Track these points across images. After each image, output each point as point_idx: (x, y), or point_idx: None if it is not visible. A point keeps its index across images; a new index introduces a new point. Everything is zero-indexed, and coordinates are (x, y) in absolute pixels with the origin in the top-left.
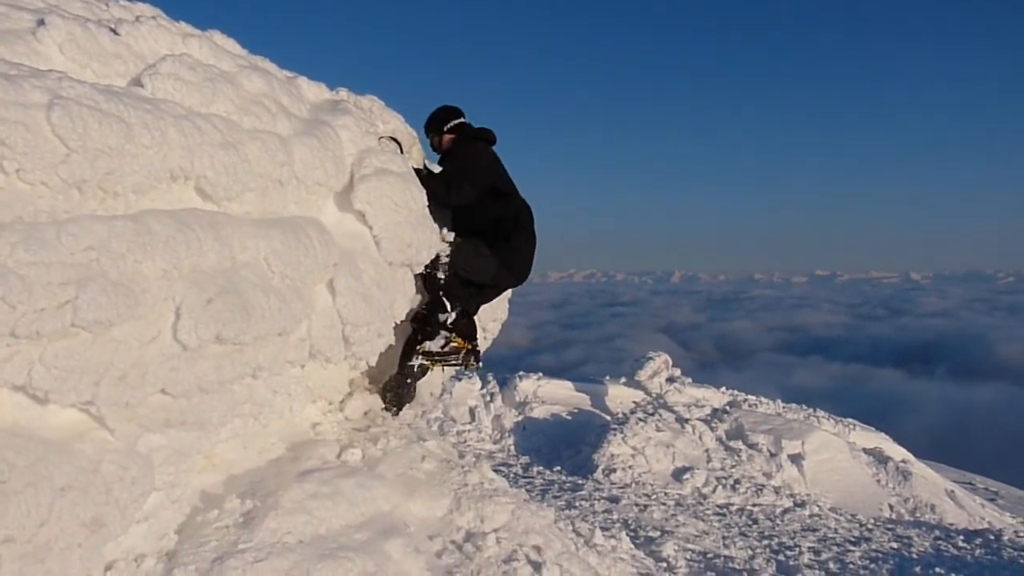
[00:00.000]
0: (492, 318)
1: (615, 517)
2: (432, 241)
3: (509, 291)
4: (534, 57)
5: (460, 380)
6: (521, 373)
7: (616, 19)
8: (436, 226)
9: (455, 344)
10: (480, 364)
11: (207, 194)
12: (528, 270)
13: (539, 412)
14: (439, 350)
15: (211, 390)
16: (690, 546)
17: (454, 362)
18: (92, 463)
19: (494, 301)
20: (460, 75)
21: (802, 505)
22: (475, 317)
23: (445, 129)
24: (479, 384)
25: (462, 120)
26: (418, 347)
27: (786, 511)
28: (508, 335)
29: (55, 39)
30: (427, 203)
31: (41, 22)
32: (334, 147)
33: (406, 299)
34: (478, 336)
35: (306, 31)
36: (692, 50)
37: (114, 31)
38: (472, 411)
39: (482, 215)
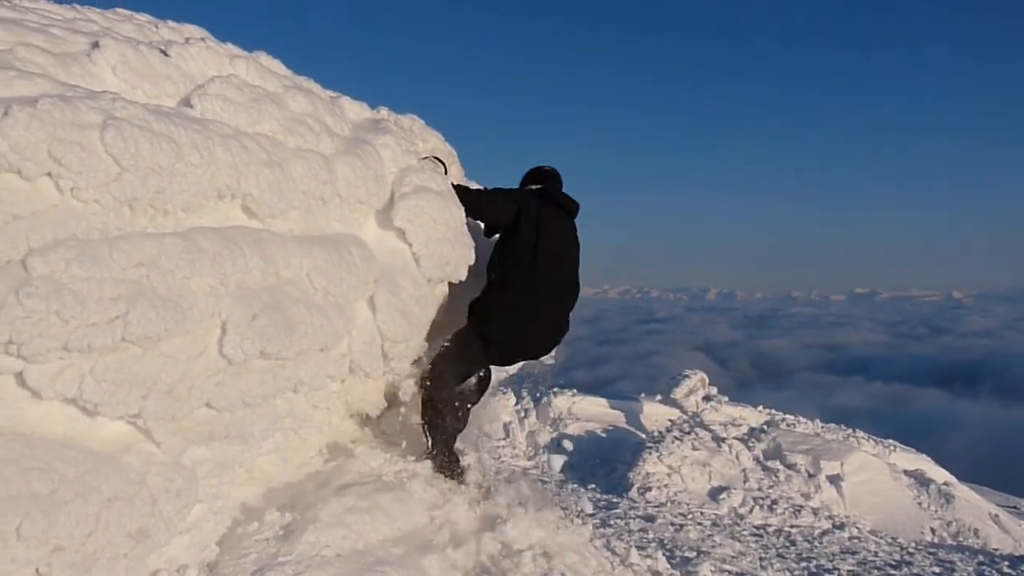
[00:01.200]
0: None
1: (651, 536)
2: (470, 258)
3: None
4: (575, 66)
5: (495, 396)
6: (556, 389)
7: (663, 26)
8: (473, 242)
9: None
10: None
11: (252, 212)
12: (537, 343)
13: (574, 429)
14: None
15: (254, 404)
16: (727, 567)
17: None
18: (138, 475)
19: None
20: (503, 90)
21: (841, 527)
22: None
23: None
24: (513, 400)
25: (540, 187)
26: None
27: (825, 533)
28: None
29: (108, 61)
30: (465, 221)
31: (96, 44)
32: (375, 166)
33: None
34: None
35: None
36: (737, 64)
37: (164, 52)
38: (506, 427)
39: (500, 251)
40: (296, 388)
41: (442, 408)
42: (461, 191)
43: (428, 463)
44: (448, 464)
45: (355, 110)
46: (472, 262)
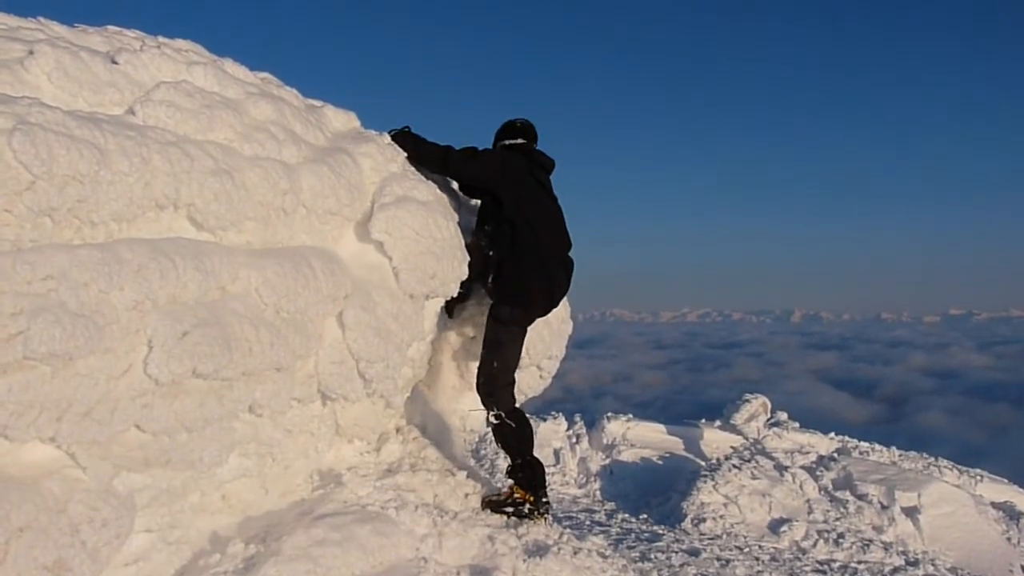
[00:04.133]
0: (547, 355)
1: (692, 572)
2: (461, 272)
3: (568, 328)
4: (655, 84)
5: (545, 421)
6: (609, 414)
7: (746, 43)
8: (466, 255)
9: (518, 496)
10: (548, 516)
11: (199, 223)
12: (545, 295)
13: (628, 456)
14: (500, 499)
15: (196, 428)
16: None
17: (514, 513)
18: (58, 503)
19: (547, 337)
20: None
21: (915, 564)
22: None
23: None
24: (564, 425)
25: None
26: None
27: (896, 570)
28: (637, 374)
29: (43, 68)
30: (457, 232)
31: (31, 52)
32: (349, 175)
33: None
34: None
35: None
36: (826, 85)
37: (113, 60)
38: (557, 453)
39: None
40: (253, 410)
41: (511, 419)
42: (427, 145)
43: (426, 490)
44: (533, 476)
45: (340, 119)
46: (465, 276)
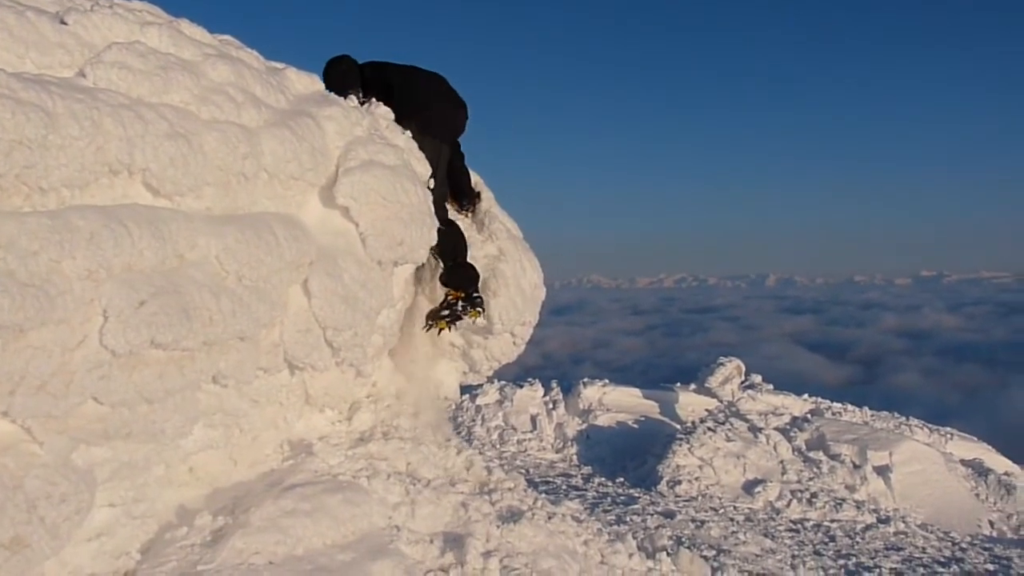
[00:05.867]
0: (520, 322)
1: (667, 534)
2: (430, 238)
3: (541, 293)
4: (636, 56)
5: (521, 387)
6: (585, 380)
7: (723, 21)
8: (434, 221)
9: (451, 298)
10: (481, 311)
11: (155, 189)
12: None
13: (604, 420)
14: (436, 308)
15: (157, 399)
16: (748, 567)
17: (450, 316)
18: (14, 479)
19: (520, 303)
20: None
21: (886, 521)
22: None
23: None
24: (541, 391)
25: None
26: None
27: (868, 528)
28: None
29: None
30: (426, 197)
31: None
32: (312, 138)
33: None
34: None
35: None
36: (786, 53)
37: (62, 20)
38: (534, 419)
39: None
40: (217, 381)
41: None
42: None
43: (399, 459)
44: (463, 276)
45: (303, 82)
46: (434, 243)
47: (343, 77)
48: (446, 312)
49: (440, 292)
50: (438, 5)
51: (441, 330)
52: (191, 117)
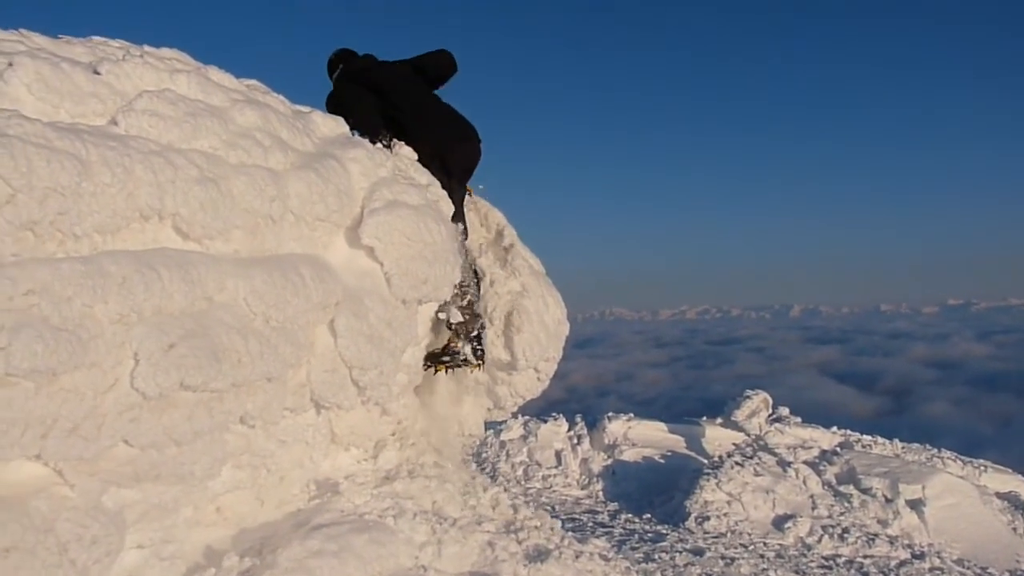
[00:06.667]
0: (544, 358)
1: (696, 572)
2: (454, 276)
3: (565, 329)
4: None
5: (545, 422)
6: (610, 414)
7: (756, 45)
8: (459, 260)
9: (453, 345)
10: (481, 364)
11: (185, 233)
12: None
13: (630, 455)
14: (436, 351)
15: (186, 441)
16: None
17: (450, 362)
18: (46, 522)
19: (544, 339)
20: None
21: (921, 557)
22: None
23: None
24: (566, 426)
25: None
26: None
27: (903, 563)
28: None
29: (23, 79)
30: (449, 236)
31: (11, 64)
32: (337, 180)
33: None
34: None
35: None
36: (820, 79)
37: (95, 70)
38: (559, 455)
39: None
40: (244, 422)
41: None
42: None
43: (425, 497)
44: (468, 326)
45: (328, 125)
46: (457, 280)
47: (368, 118)
48: (447, 358)
49: None
50: (460, 42)
51: (437, 371)
52: (220, 162)
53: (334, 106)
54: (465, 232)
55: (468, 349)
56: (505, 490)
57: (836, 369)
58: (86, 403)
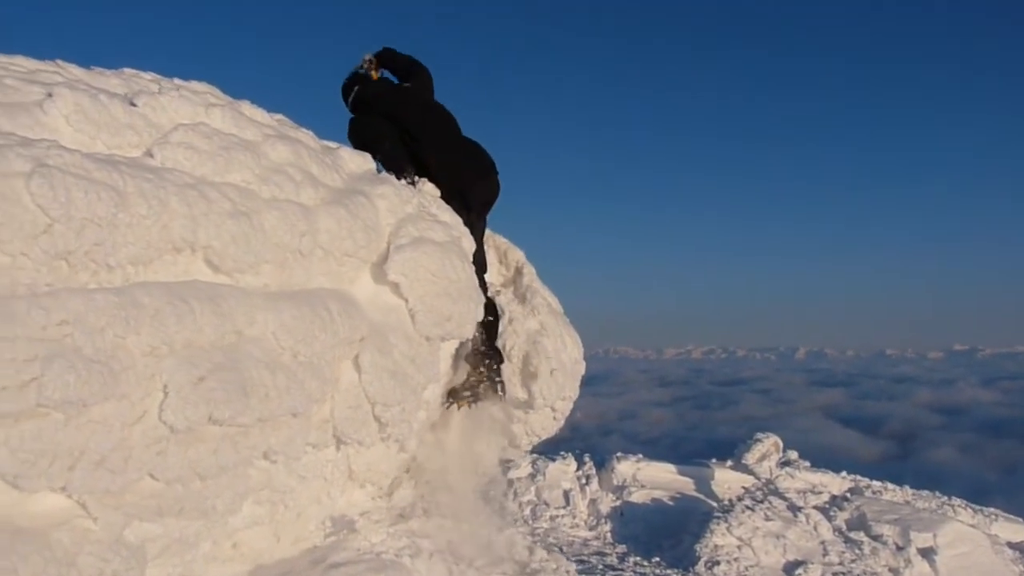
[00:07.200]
0: (560, 396)
1: None
2: (477, 314)
3: (581, 368)
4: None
5: (554, 461)
6: (619, 454)
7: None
8: (481, 297)
9: (473, 379)
10: (503, 395)
11: (216, 266)
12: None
13: (638, 497)
14: (458, 387)
15: (210, 476)
16: None
17: (471, 397)
18: (68, 555)
19: (561, 379)
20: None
21: None
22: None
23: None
24: (574, 466)
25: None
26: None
27: None
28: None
29: (61, 110)
30: (473, 273)
31: (49, 94)
32: (366, 216)
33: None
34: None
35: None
36: (826, 115)
37: (132, 102)
38: (567, 494)
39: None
40: (267, 457)
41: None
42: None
43: (440, 536)
44: (488, 360)
45: (356, 161)
46: (480, 318)
47: (394, 155)
48: (467, 393)
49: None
50: (465, 77)
51: (460, 407)
52: (252, 196)
53: (357, 139)
54: (484, 265)
55: (488, 384)
56: (519, 532)
57: (841, 412)
58: (114, 435)
